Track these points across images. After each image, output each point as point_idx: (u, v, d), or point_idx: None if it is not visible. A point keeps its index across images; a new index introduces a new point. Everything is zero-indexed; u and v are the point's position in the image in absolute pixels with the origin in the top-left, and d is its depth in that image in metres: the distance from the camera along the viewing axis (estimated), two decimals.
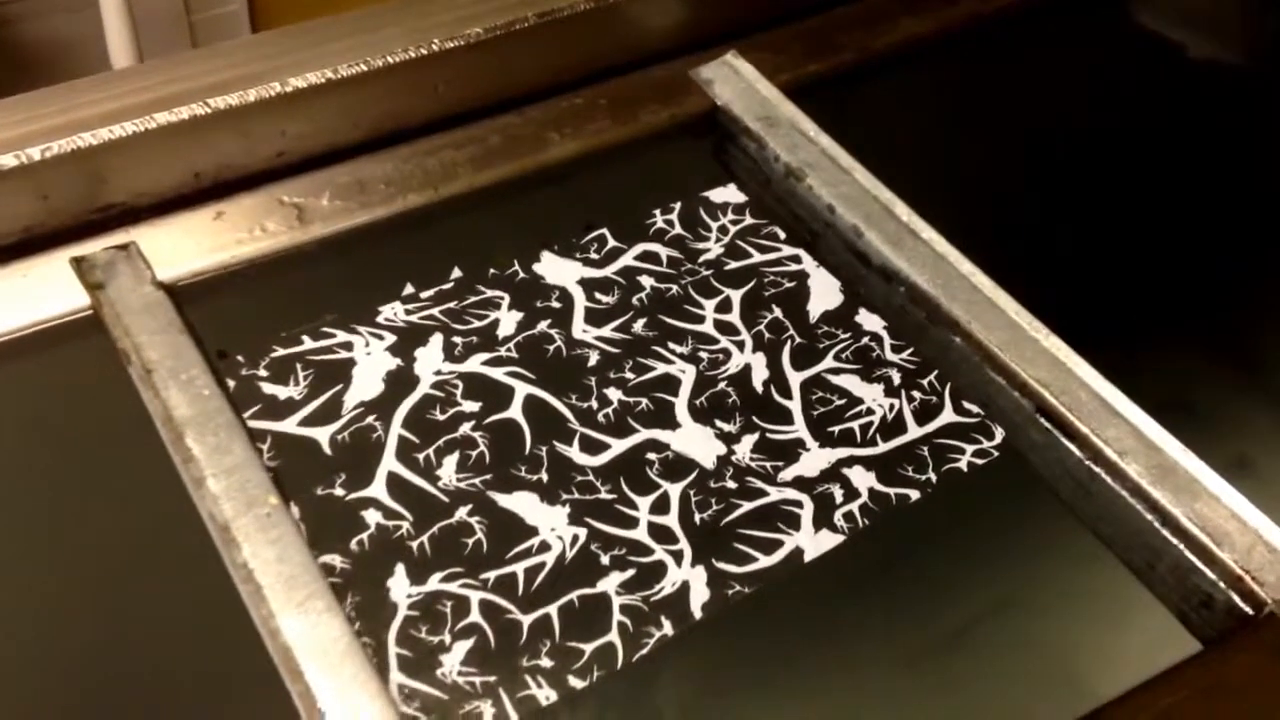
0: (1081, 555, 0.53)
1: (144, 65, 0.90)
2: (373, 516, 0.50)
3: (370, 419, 0.54)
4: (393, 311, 0.58)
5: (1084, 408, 0.55)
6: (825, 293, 0.61)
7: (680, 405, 0.56)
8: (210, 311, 0.56)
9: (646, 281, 0.61)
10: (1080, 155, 0.75)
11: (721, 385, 0.57)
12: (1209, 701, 0.47)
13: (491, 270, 0.60)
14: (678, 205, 0.65)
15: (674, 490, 0.53)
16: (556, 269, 0.61)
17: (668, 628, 0.48)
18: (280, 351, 0.56)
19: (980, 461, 0.55)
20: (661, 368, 0.57)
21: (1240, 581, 0.50)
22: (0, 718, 0.47)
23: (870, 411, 0.56)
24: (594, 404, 0.55)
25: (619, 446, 0.54)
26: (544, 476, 0.52)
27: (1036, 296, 0.59)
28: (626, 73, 0.70)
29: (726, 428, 0.55)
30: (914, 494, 0.53)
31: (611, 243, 0.62)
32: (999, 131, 0.76)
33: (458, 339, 0.57)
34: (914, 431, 0.56)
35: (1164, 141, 0.78)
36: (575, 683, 0.47)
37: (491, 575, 0.49)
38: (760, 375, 0.57)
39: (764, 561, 0.51)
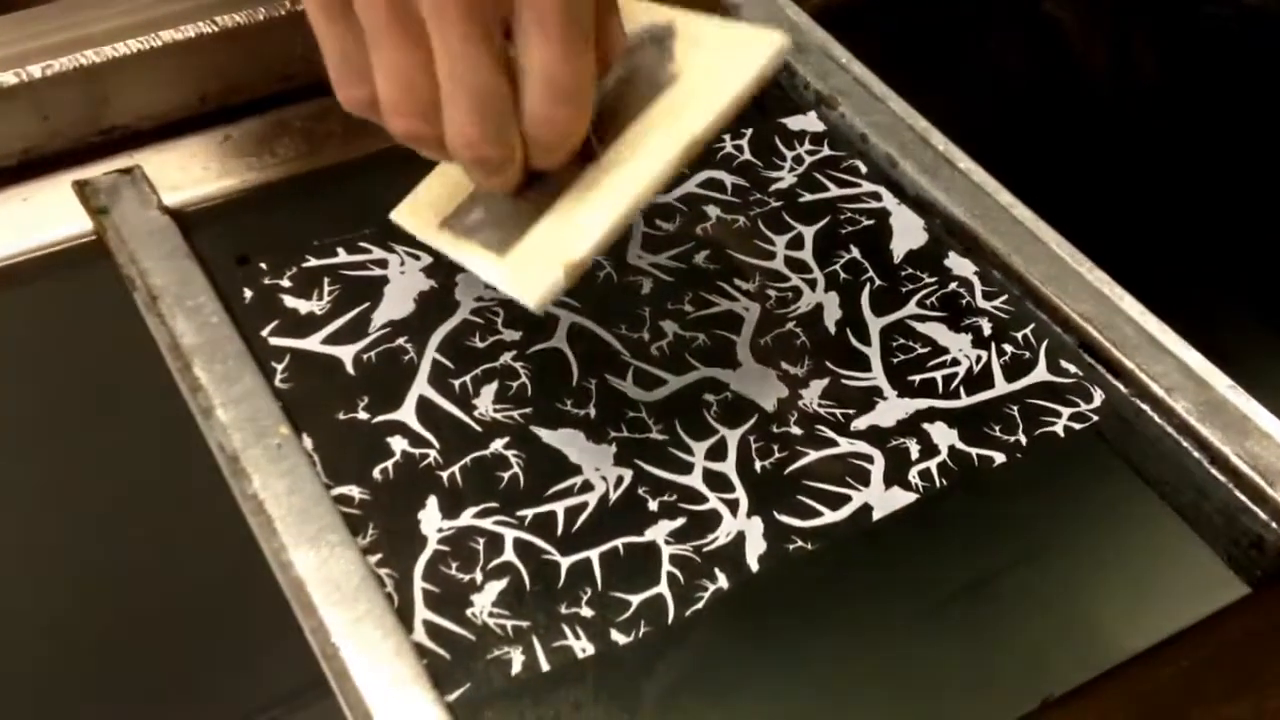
0: (1125, 494, 0.52)
1: None
2: (399, 444, 0.48)
3: (401, 340, 0.51)
4: None
5: (1130, 343, 0.53)
6: (908, 232, 0.58)
7: (742, 344, 0.52)
8: (218, 238, 0.54)
9: (712, 211, 0.58)
10: (1126, 89, 0.73)
11: (789, 325, 0.54)
12: (1257, 646, 0.45)
13: None
14: (749, 131, 0.61)
15: (732, 436, 0.49)
16: None
17: (722, 580, 0.45)
18: (311, 262, 0.53)
19: (1078, 426, 0.51)
20: (724, 304, 0.54)
21: None
22: (3, 648, 0.46)
23: (955, 363, 0.53)
24: (646, 335, 0.52)
25: (674, 383, 0.51)
26: (591, 411, 0.49)
27: (1077, 230, 0.57)
28: None
29: (793, 370, 0.52)
30: (999, 456, 0.50)
31: None
32: (1039, 60, 0.73)
33: None
34: (1001, 387, 0.52)
35: (1212, 83, 0.75)
36: (618, 637, 0.44)
37: (529, 513, 0.46)
38: (833, 316, 0.54)
39: (829, 516, 0.48)
